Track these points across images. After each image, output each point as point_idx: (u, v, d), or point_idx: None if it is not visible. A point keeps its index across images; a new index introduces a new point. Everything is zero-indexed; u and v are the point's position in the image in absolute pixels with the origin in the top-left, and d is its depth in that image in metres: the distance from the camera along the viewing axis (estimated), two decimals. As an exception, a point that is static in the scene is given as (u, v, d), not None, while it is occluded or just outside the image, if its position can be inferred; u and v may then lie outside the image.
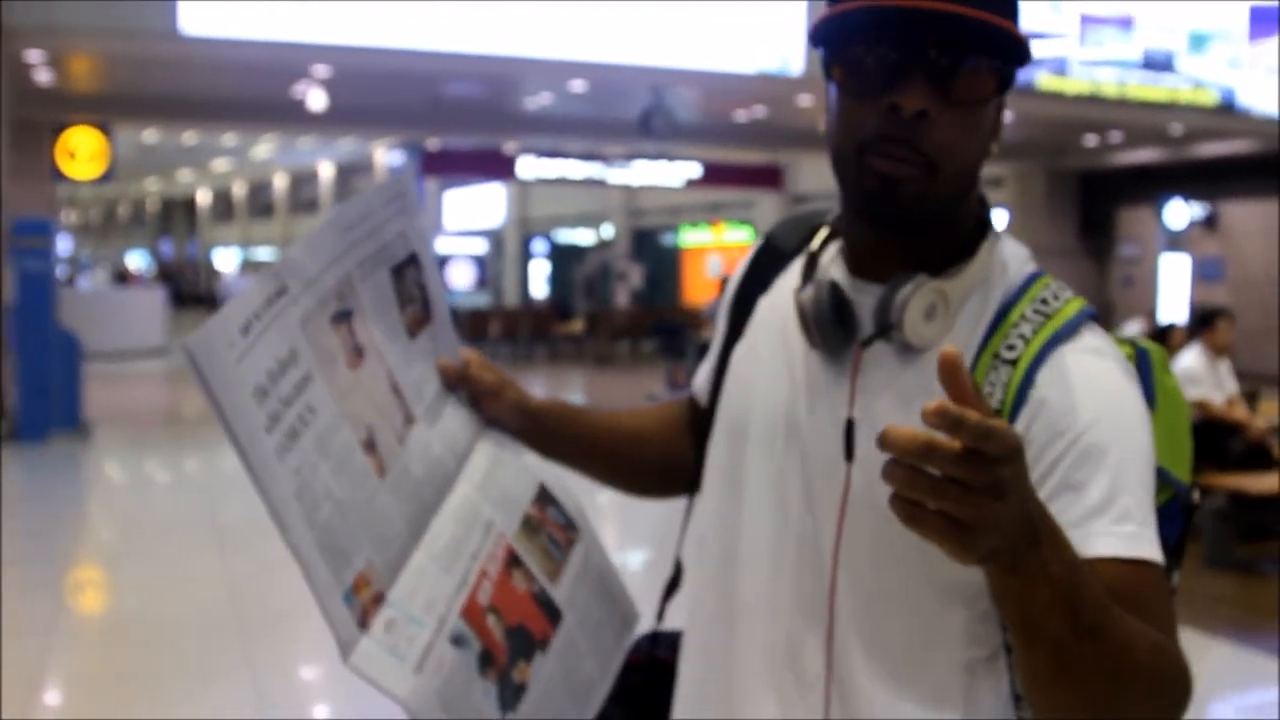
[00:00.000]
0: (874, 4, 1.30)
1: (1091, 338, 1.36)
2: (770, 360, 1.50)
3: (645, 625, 1.71)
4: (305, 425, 1.25)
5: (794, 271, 1.54)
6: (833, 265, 1.48)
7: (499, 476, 1.55)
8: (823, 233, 1.54)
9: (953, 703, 1.36)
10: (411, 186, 1.54)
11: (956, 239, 1.41)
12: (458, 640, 1.35)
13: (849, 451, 1.35)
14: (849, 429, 1.35)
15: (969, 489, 0.96)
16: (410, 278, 1.51)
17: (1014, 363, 1.33)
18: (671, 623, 1.70)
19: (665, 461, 1.76)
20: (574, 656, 1.53)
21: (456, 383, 1.57)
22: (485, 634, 1.39)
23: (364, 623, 1.27)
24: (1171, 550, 1.39)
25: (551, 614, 1.51)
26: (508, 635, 1.42)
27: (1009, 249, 1.44)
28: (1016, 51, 1.33)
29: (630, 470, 1.79)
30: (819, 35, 1.37)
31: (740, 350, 1.56)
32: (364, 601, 1.28)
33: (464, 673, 1.35)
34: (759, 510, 1.47)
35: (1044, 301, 1.37)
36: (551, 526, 1.58)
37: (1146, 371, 1.41)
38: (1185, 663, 1.20)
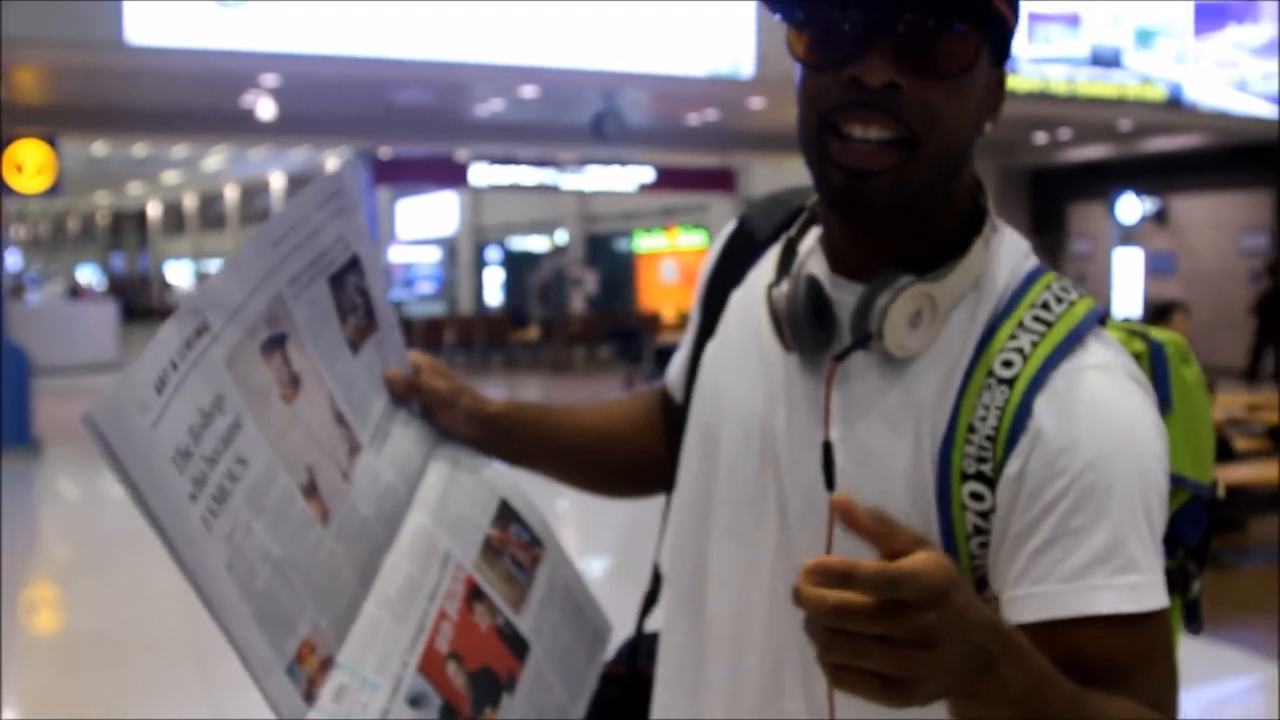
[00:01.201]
0: None
1: (1099, 349, 1.19)
2: (742, 363, 1.36)
3: (623, 633, 1.62)
4: (235, 481, 1.13)
5: (769, 262, 1.38)
6: (812, 257, 1.34)
7: (455, 497, 1.43)
8: (802, 218, 1.38)
9: None
10: (352, 182, 1.38)
11: (946, 230, 1.25)
12: (416, 700, 1.24)
13: (829, 480, 1.18)
14: (827, 454, 1.18)
15: (894, 643, 0.86)
16: (351, 284, 1.37)
17: (1011, 383, 1.16)
18: (655, 625, 1.56)
19: (637, 460, 1.63)
20: (543, 690, 1.42)
21: (406, 394, 1.45)
22: (445, 686, 1.28)
23: (310, 695, 1.16)
24: (1193, 552, 1.29)
25: (517, 648, 1.40)
26: (471, 682, 1.32)
27: (1007, 243, 1.27)
28: (997, 18, 1.17)
29: (601, 472, 1.66)
30: None
31: (712, 348, 1.42)
32: (310, 671, 1.17)
33: None
34: (730, 531, 1.34)
35: (1045, 306, 1.21)
36: (514, 547, 1.46)
37: (1162, 368, 1.27)
38: None
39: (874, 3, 1.14)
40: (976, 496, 1.16)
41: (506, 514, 1.49)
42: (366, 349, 1.40)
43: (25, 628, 7.08)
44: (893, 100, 1.15)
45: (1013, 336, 1.19)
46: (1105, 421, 1.14)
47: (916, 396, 1.21)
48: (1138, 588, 1.11)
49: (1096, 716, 1.03)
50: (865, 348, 1.21)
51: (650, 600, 1.59)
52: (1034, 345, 1.17)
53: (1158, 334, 1.31)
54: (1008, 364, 1.17)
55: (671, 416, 1.56)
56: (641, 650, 1.59)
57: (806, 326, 1.24)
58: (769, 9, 1.23)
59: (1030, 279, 1.24)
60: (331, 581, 1.22)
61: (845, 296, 1.26)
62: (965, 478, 1.16)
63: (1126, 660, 1.09)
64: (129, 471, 1.02)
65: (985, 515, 1.17)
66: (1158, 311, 8.97)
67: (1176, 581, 1.27)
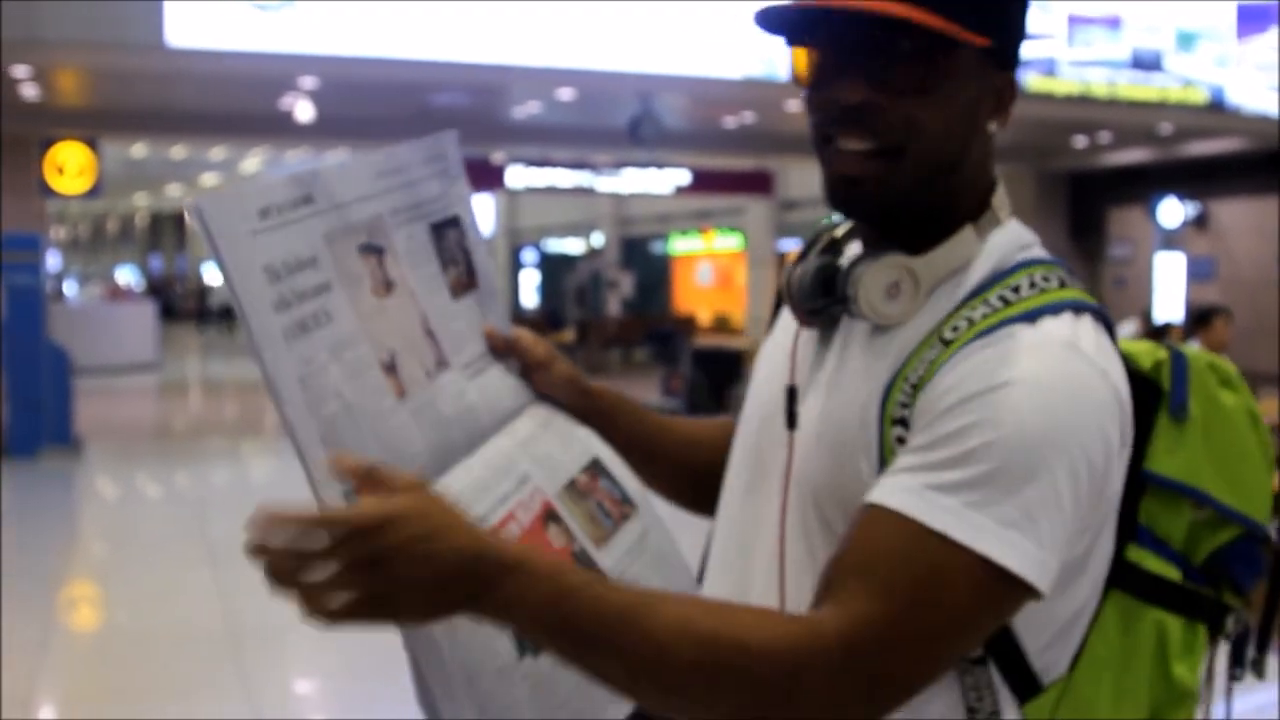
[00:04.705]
0: (802, 4, 1.28)
1: (1052, 325, 1.23)
2: (772, 352, 1.49)
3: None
4: (319, 325, 1.26)
5: None
6: (852, 245, 1.46)
7: (545, 440, 1.52)
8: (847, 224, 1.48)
9: None
10: (454, 151, 1.56)
11: (953, 224, 1.33)
12: None
13: (790, 420, 1.35)
14: (790, 397, 1.36)
15: (348, 568, 1.03)
16: (452, 239, 1.52)
17: (949, 344, 1.24)
18: None
19: (713, 472, 1.64)
20: None
21: (504, 350, 1.55)
22: None
23: None
24: (1240, 590, 1.36)
25: None
26: None
27: (1010, 235, 1.34)
28: (949, 40, 1.24)
29: (681, 473, 1.70)
30: (764, 24, 1.32)
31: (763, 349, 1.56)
32: None
33: None
34: (737, 497, 1.48)
35: (1015, 289, 1.27)
36: (603, 496, 1.53)
37: (1180, 374, 1.36)
38: (785, 648, 1.12)
39: (841, 35, 1.27)
40: (900, 440, 1.24)
41: (597, 468, 1.55)
42: (467, 301, 1.53)
43: (64, 625, 7.15)
44: (869, 116, 1.27)
45: (972, 309, 1.26)
46: (989, 373, 1.18)
47: (889, 360, 1.29)
48: (910, 490, 1.17)
49: (650, 625, 1.11)
50: (845, 309, 1.33)
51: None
52: (984, 318, 1.24)
53: (1187, 349, 1.40)
54: (955, 329, 1.25)
55: None
56: None
57: (809, 297, 1.36)
58: (767, 33, 1.34)
59: (1018, 266, 1.31)
60: (401, 444, 1.33)
61: None
62: (894, 422, 1.25)
63: (875, 555, 1.16)
64: (223, 256, 1.16)
65: None
66: (1200, 316, 8.93)
67: (1209, 613, 1.34)
